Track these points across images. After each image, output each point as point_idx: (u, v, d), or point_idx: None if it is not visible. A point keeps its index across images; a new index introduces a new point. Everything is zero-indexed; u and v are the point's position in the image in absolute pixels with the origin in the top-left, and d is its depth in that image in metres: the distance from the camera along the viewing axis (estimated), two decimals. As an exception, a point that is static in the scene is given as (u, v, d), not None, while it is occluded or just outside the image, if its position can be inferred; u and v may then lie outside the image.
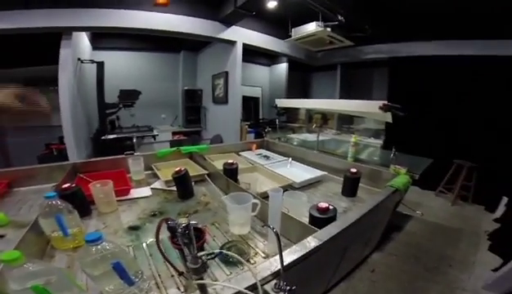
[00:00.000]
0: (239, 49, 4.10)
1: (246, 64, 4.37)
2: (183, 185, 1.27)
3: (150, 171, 1.62)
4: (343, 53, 4.93)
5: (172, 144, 4.04)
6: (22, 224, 1.00)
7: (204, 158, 1.74)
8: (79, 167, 1.50)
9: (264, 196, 1.16)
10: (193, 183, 1.36)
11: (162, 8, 3.12)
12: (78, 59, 3.52)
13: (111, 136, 3.60)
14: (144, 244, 0.90)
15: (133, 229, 1.01)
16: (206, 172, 1.51)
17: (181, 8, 3.40)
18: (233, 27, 3.96)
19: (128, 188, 1.30)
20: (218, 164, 1.58)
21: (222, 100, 4.53)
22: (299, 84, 6.34)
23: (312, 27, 3.18)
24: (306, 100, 2.63)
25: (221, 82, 4.57)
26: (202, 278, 0.55)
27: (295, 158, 1.88)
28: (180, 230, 0.51)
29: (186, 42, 5.34)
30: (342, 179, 1.40)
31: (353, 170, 1.35)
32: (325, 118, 3.47)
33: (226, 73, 4.34)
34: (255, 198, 0.99)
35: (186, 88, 5.46)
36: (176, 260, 0.66)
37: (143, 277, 0.66)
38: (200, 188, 1.41)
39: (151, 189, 1.38)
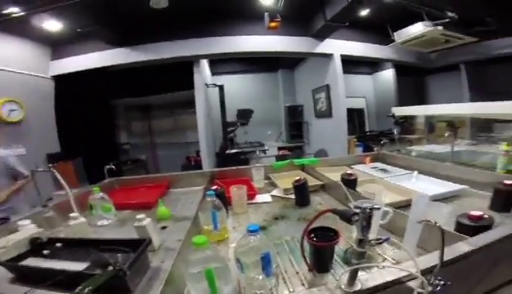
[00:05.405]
0: (337, 61, 4.06)
1: (344, 75, 4.24)
2: (302, 193, 1.34)
3: (266, 181, 1.80)
4: (465, 50, 4.14)
5: (278, 158, 4.28)
6: (178, 219, 1.27)
7: (315, 170, 1.77)
8: (215, 174, 1.84)
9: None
10: (308, 192, 1.41)
11: (261, 31, 3.46)
12: (205, 83, 4.29)
13: (233, 151, 4.24)
14: (271, 243, 0.98)
15: (261, 228, 1.13)
16: (322, 183, 1.55)
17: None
18: (327, 40, 3.97)
19: (254, 193, 1.49)
20: (330, 176, 1.57)
21: (326, 114, 4.51)
22: (411, 90, 5.61)
23: (418, 28, 2.82)
24: (436, 105, 2.28)
25: (322, 95, 4.58)
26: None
27: (421, 172, 1.63)
28: (367, 212, 0.54)
29: (282, 61, 5.66)
30: (486, 193, 1.24)
31: (508, 181, 1.12)
32: (452, 125, 2.86)
33: (327, 86, 4.33)
34: (386, 206, 0.94)
35: (287, 105, 5.73)
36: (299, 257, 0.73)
37: (276, 271, 0.74)
38: (315, 197, 1.44)
39: (271, 195, 1.52)
